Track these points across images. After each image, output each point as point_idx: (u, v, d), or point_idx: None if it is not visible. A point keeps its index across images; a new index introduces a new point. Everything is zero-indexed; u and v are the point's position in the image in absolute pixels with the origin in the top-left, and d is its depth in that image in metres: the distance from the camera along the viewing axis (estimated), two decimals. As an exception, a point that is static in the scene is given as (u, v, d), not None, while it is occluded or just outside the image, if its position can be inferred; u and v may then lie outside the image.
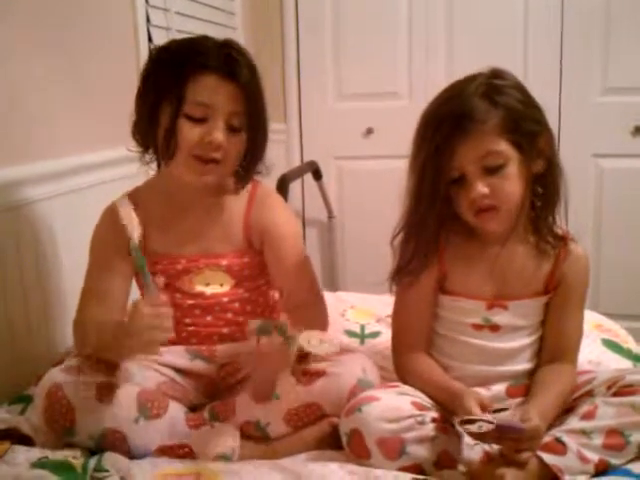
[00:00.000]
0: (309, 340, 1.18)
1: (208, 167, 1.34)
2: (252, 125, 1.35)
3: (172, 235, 1.43)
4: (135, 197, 1.46)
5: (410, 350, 1.37)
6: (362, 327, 1.85)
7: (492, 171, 1.23)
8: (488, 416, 1.11)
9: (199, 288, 1.43)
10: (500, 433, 1.11)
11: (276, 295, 1.51)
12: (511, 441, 1.12)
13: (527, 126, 1.24)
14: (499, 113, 1.22)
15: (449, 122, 1.22)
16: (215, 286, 1.43)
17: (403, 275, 1.34)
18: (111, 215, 1.43)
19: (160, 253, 1.43)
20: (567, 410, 1.26)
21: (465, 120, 1.21)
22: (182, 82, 1.29)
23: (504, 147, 1.23)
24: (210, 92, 1.30)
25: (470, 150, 1.22)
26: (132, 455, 1.23)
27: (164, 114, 1.31)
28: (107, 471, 1.17)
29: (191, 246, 1.43)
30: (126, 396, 1.26)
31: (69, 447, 1.25)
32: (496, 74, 1.27)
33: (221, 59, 1.31)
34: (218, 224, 1.44)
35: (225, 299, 1.43)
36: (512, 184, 1.25)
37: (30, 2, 1.62)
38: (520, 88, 1.27)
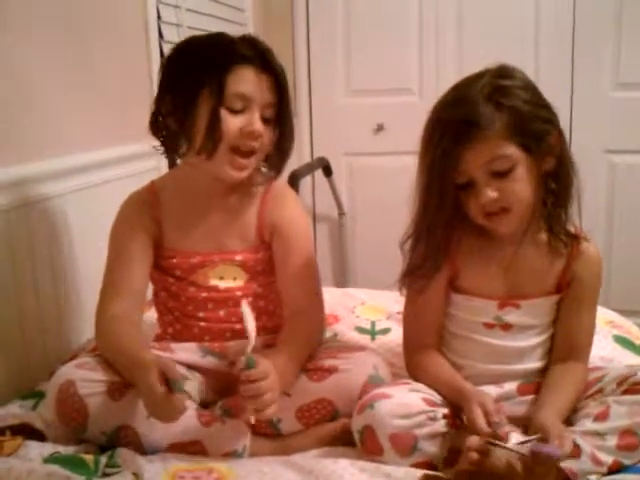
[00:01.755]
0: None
1: (247, 162, 1.36)
2: (283, 116, 1.37)
3: (189, 231, 1.44)
4: (152, 193, 1.47)
5: (421, 348, 1.37)
6: (372, 323, 1.84)
7: (500, 175, 1.22)
8: (515, 446, 1.10)
9: (213, 282, 1.43)
10: (534, 458, 1.08)
11: None
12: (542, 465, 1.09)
13: (535, 126, 1.22)
14: (504, 117, 1.20)
15: (454, 128, 1.20)
16: (229, 280, 1.44)
17: (414, 280, 1.34)
18: (129, 207, 1.45)
19: (176, 249, 1.44)
20: (578, 410, 1.25)
21: (470, 126, 1.19)
22: (223, 74, 1.30)
23: (511, 150, 1.21)
24: (249, 84, 1.32)
25: (477, 156, 1.21)
26: (144, 451, 1.24)
27: (203, 107, 1.31)
28: (119, 467, 1.17)
29: (207, 243, 1.44)
30: (137, 393, 1.25)
31: (81, 443, 1.26)
32: (502, 72, 1.25)
33: (257, 51, 1.33)
34: (234, 221, 1.44)
35: (238, 293, 1.43)
36: (522, 186, 1.23)
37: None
38: (527, 86, 1.25)
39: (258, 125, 1.33)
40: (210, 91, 1.30)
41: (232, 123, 1.32)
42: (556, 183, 1.28)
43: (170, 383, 1.13)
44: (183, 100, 1.33)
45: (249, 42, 1.35)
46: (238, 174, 1.37)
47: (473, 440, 1.10)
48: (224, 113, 1.31)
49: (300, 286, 1.42)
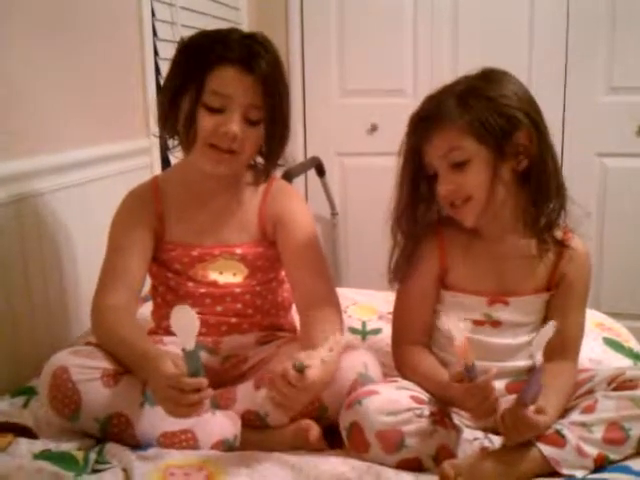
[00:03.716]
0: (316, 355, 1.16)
1: (224, 156, 1.36)
2: (270, 118, 1.37)
3: (190, 224, 1.45)
4: (155, 187, 1.48)
5: (409, 344, 1.38)
6: (364, 324, 1.85)
7: (457, 166, 1.26)
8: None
9: (212, 276, 1.44)
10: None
11: (286, 294, 1.53)
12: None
13: (499, 126, 1.24)
14: (468, 115, 1.24)
15: (420, 122, 1.28)
16: (228, 275, 1.45)
17: (398, 271, 1.37)
18: (130, 201, 1.47)
19: (177, 242, 1.45)
20: (568, 409, 1.26)
21: (432, 119, 1.26)
22: (202, 72, 1.32)
23: (468, 143, 1.25)
24: (228, 83, 1.32)
25: (436, 146, 1.27)
26: (137, 439, 1.24)
27: (184, 103, 1.34)
28: (109, 463, 1.17)
29: (208, 236, 1.45)
30: (131, 381, 1.26)
31: (73, 438, 1.25)
32: (485, 74, 1.29)
33: (242, 51, 1.33)
34: (235, 215, 1.46)
35: (237, 290, 1.45)
36: (477, 178, 1.26)
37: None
38: (508, 89, 1.27)
39: (234, 126, 1.32)
40: (191, 89, 1.33)
41: (208, 121, 1.33)
42: (530, 183, 1.30)
43: (186, 359, 1.12)
44: (170, 95, 1.36)
45: (242, 41, 1.34)
46: (213, 168, 1.38)
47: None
48: (202, 111, 1.33)
49: (311, 272, 1.42)
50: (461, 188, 1.27)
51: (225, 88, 1.32)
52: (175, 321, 1.13)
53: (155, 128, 1.44)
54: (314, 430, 1.27)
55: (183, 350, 1.12)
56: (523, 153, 1.27)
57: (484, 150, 1.25)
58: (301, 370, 1.13)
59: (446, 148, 1.26)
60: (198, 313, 1.41)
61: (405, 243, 1.35)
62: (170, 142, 1.44)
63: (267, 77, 1.34)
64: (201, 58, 1.33)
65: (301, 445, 1.26)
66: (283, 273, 1.51)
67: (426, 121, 1.27)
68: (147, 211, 1.45)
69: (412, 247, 1.35)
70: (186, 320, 1.13)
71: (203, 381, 1.13)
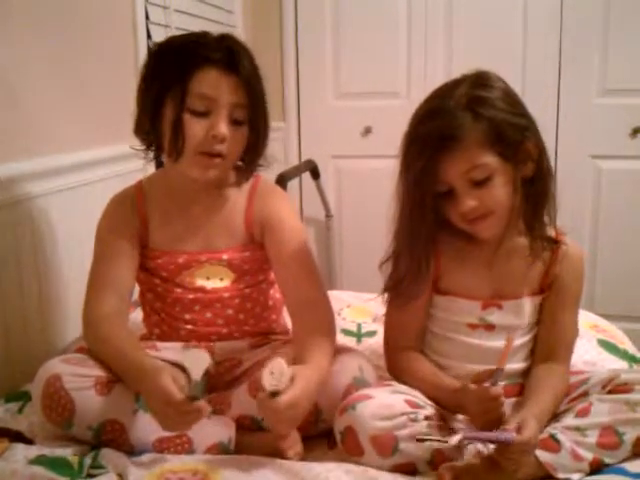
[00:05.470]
0: (272, 374, 1.13)
1: (214, 162, 1.34)
2: (254, 118, 1.36)
3: (174, 231, 1.44)
4: (139, 192, 1.46)
5: (405, 349, 1.38)
6: (359, 326, 1.85)
7: (479, 183, 1.23)
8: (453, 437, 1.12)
9: (200, 282, 1.43)
10: (497, 447, 1.12)
11: (277, 295, 1.52)
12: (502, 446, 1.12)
13: (512, 135, 1.23)
14: (481, 126, 1.21)
15: (434, 141, 1.21)
16: (215, 280, 1.43)
17: (397, 294, 1.35)
18: (115, 206, 1.45)
19: (162, 249, 1.44)
20: (563, 412, 1.26)
21: (448, 139, 1.20)
22: (184, 76, 1.30)
23: (489, 159, 1.22)
24: (212, 85, 1.31)
25: (456, 165, 1.22)
26: (131, 446, 1.24)
27: (168, 109, 1.32)
28: (104, 468, 1.17)
29: (193, 242, 1.43)
30: (124, 388, 1.26)
31: (68, 445, 1.25)
32: (480, 81, 1.25)
33: (222, 52, 1.31)
34: (220, 219, 1.44)
35: (226, 294, 1.44)
36: (500, 193, 1.25)
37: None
38: (505, 95, 1.25)
39: (222, 127, 1.31)
40: (174, 95, 1.30)
41: (196, 127, 1.31)
42: (535, 188, 1.29)
43: (190, 386, 1.13)
44: (152, 102, 1.34)
45: (220, 42, 1.33)
46: (203, 174, 1.36)
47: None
48: (188, 117, 1.31)
49: (301, 275, 1.41)
50: (483, 204, 1.24)
51: (210, 90, 1.30)
52: (184, 357, 1.14)
53: (131, 138, 1.41)
54: (288, 438, 1.25)
55: (188, 377, 1.12)
56: (530, 158, 1.27)
57: (504, 164, 1.23)
58: (275, 395, 1.12)
59: (467, 166, 1.22)
60: (188, 322, 1.43)
61: (406, 256, 1.32)
62: (150, 151, 1.42)
63: (250, 76, 1.33)
64: (182, 62, 1.30)
65: (274, 451, 1.25)
66: (273, 274, 1.50)
67: (441, 139, 1.21)
68: (130, 216, 1.43)
69: (416, 271, 1.31)
70: (196, 358, 1.13)
71: (202, 405, 1.13)
